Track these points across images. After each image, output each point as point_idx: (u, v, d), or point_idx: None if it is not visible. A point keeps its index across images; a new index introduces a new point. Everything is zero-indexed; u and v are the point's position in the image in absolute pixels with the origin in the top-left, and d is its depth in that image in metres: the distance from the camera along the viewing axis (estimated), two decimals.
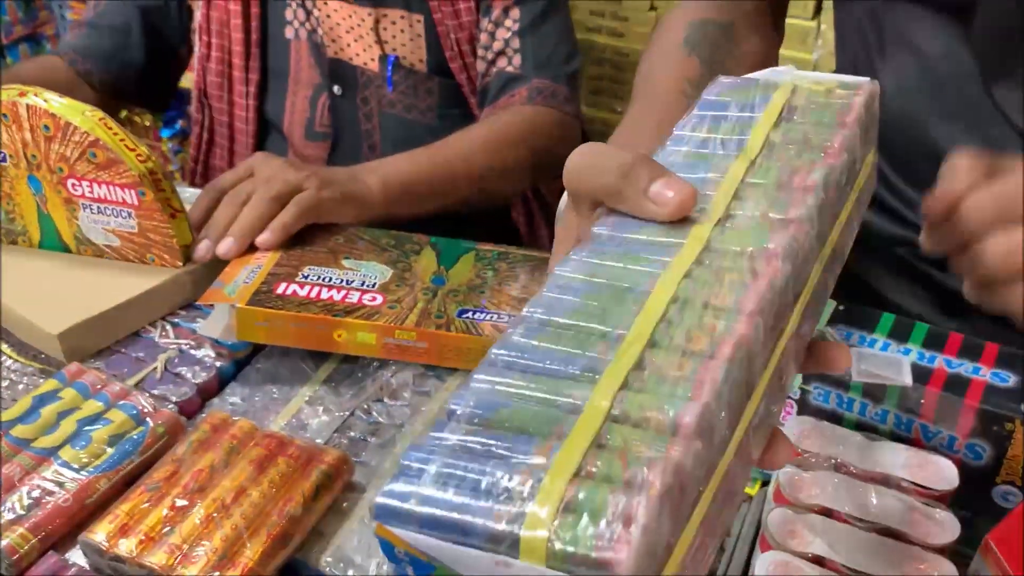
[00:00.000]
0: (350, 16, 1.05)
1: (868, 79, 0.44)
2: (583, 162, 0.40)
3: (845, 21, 0.71)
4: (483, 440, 0.27)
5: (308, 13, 1.07)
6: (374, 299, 0.70)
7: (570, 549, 0.24)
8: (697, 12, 0.67)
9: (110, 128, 0.71)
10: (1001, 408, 0.55)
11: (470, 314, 0.70)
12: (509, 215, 1.18)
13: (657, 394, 0.28)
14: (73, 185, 0.74)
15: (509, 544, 0.24)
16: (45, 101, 0.71)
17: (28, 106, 0.71)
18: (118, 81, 1.10)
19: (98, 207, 0.75)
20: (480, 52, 1.05)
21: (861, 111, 0.41)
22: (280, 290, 0.70)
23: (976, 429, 0.56)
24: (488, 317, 0.70)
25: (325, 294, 0.70)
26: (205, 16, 1.09)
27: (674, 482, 0.25)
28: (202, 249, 0.76)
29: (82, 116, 0.71)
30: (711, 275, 0.33)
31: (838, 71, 0.75)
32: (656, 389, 0.28)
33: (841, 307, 0.65)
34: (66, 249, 0.79)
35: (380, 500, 0.26)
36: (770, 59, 0.70)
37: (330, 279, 0.72)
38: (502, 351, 0.31)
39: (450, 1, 1.02)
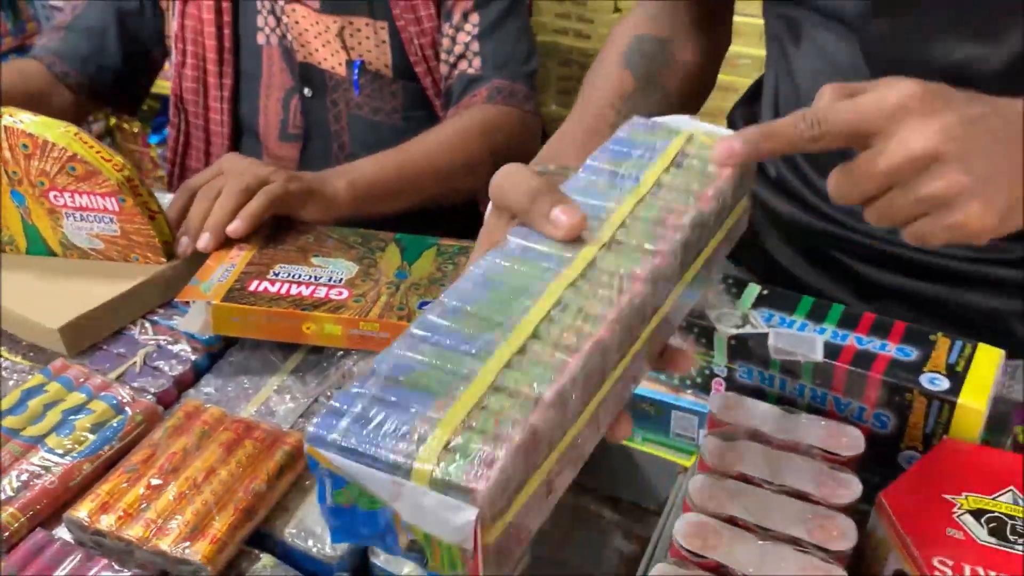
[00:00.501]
0: (316, 23, 1.10)
1: None
2: (504, 181, 0.48)
3: (769, 25, 0.76)
4: (395, 394, 0.35)
5: (278, 20, 1.12)
6: (340, 294, 0.76)
7: (446, 477, 0.32)
8: (638, 26, 0.72)
9: (86, 142, 0.76)
10: (901, 380, 0.60)
11: None
12: (477, 208, 1.24)
13: (530, 374, 0.37)
14: (55, 196, 0.79)
15: (405, 471, 0.33)
16: (20, 121, 0.76)
17: (5, 127, 0.76)
18: (94, 83, 1.14)
19: (80, 215, 0.80)
20: (443, 56, 1.10)
21: (736, 167, 0.50)
22: (252, 287, 0.75)
23: (881, 400, 0.61)
24: None
25: (295, 290, 0.75)
26: (180, 25, 1.14)
27: (530, 439, 0.34)
28: (182, 245, 0.82)
29: (57, 133, 0.76)
30: (589, 288, 0.41)
31: (765, 73, 0.81)
32: (531, 370, 0.37)
33: (764, 291, 0.70)
34: (52, 254, 0.83)
35: (311, 429, 0.34)
36: (707, 67, 0.75)
37: (299, 276, 0.77)
38: (419, 328, 0.39)
39: (412, 8, 1.07)
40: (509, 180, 0.47)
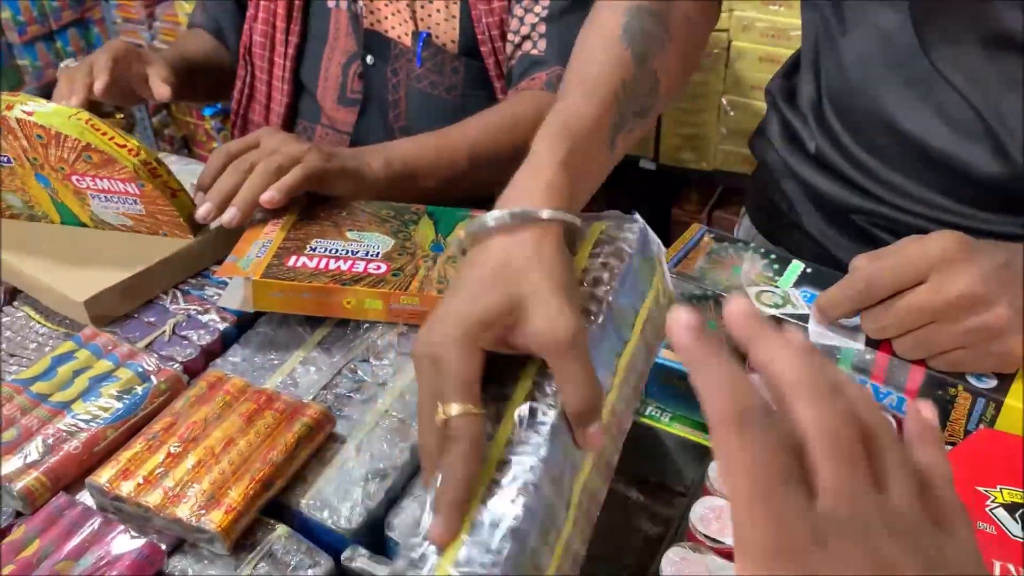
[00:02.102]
0: None
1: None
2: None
3: None
4: None
5: None
6: (379, 268, 0.75)
7: None
8: None
9: (98, 129, 0.75)
10: (948, 374, 0.58)
11: None
12: None
13: None
14: (77, 180, 0.79)
15: None
16: (30, 113, 0.75)
17: (17, 119, 0.75)
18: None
19: (105, 196, 0.79)
20: (509, 36, 1.08)
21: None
22: (291, 263, 0.75)
23: (923, 392, 0.59)
24: None
25: (333, 264, 0.74)
26: None
27: None
28: (203, 211, 0.79)
29: (68, 123, 0.75)
30: None
31: (803, 44, 0.77)
32: None
33: (808, 269, 0.68)
34: (85, 227, 0.84)
35: None
36: (697, 43, 0.71)
37: (337, 250, 0.77)
38: None
39: None
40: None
